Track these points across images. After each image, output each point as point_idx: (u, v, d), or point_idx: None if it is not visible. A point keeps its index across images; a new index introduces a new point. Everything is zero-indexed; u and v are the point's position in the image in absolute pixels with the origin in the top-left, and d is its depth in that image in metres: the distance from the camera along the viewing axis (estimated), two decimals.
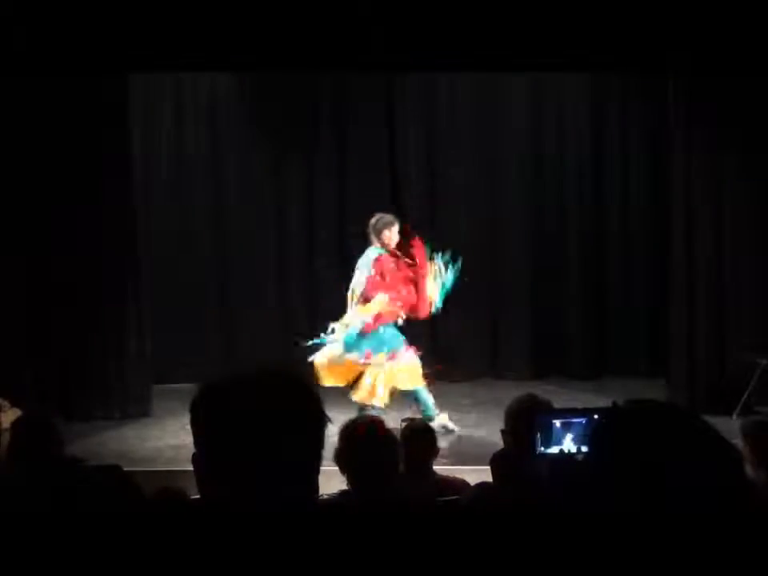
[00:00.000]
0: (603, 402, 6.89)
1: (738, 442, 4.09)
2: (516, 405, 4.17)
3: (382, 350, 7.36)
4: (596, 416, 3.57)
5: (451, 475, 4.67)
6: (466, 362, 9.31)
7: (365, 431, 3.76)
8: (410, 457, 4.30)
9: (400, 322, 7.45)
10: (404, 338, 7.48)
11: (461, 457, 6.64)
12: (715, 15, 7.67)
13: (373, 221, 7.49)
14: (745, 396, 7.77)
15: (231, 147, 9.59)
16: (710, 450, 1.48)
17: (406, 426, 4.83)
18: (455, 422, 7.57)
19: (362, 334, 7.34)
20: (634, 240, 9.73)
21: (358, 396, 7.35)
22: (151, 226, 9.17)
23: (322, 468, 1.61)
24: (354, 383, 7.43)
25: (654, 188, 9.44)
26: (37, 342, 8.07)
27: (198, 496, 1.64)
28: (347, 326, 7.40)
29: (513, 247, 9.73)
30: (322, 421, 1.61)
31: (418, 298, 7.40)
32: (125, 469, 3.09)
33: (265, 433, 1.55)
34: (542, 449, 3.63)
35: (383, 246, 7.43)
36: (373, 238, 7.46)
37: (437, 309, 7.52)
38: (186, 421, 1.65)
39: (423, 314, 7.50)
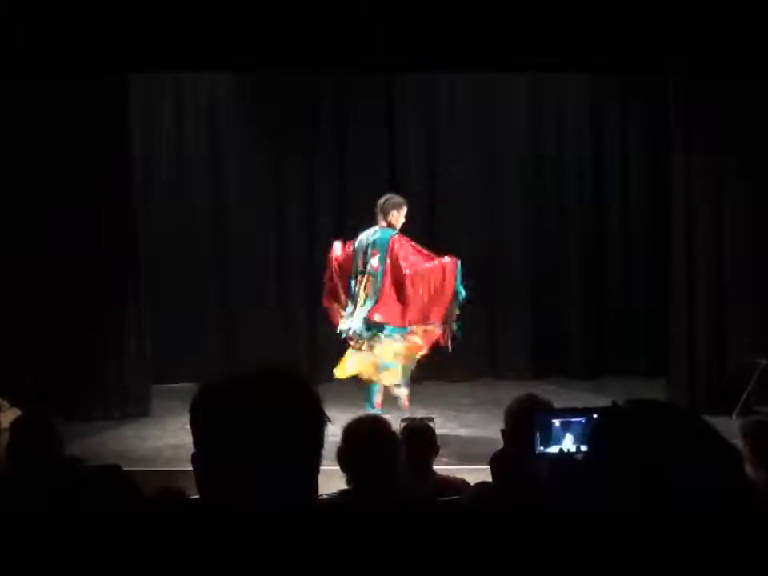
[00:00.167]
0: (603, 401, 6.86)
1: (738, 442, 4.08)
2: (516, 404, 4.16)
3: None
4: (595, 416, 3.56)
5: (451, 475, 4.67)
6: (465, 362, 9.32)
7: (367, 430, 3.76)
8: (410, 457, 4.30)
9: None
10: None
11: (461, 457, 6.64)
12: (715, 15, 7.67)
13: (381, 200, 7.39)
14: (744, 396, 7.77)
15: (231, 147, 9.59)
16: (709, 450, 1.48)
17: (406, 426, 4.83)
18: (455, 421, 7.55)
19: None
20: (634, 240, 9.73)
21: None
22: (151, 226, 9.17)
23: (321, 468, 1.61)
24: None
25: (654, 188, 9.44)
26: (37, 341, 8.07)
27: (197, 496, 1.64)
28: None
29: (513, 247, 9.73)
30: (321, 421, 1.61)
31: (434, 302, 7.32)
32: (124, 469, 3.09)
33: (265, 433, 1.54)
34: (542, 448, 3.62)
35: (390, 226, 7.31)
36: (379, 217, 7.35)
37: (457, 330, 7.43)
38: (185, 421, 1.64)
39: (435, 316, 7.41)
